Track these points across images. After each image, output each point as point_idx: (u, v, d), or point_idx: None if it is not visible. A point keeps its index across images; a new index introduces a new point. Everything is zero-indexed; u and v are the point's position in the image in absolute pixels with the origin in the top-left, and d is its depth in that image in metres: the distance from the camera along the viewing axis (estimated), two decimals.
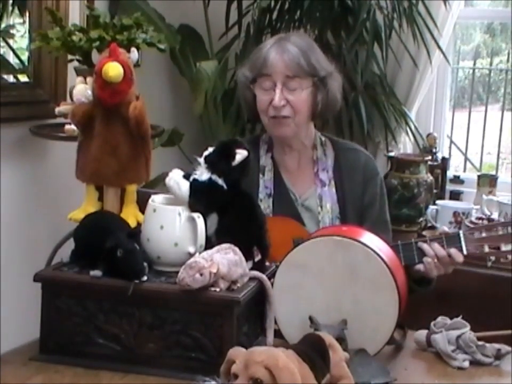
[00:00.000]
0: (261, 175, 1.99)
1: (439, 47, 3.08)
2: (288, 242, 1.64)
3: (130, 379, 1.44)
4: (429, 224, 2.96)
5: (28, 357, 1.51)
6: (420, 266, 1.77)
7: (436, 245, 1.75)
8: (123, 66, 1.57)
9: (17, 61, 2.50)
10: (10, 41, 2.47)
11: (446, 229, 1.84)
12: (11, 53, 2.47)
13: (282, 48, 1.90)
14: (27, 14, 2.42)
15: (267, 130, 1.99)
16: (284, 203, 1.97)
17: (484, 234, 1.73)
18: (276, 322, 1.55)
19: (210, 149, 1.59)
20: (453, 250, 1.74)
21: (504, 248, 1.71)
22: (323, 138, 2.02)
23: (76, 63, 2.29)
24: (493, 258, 1.73)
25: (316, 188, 1.97)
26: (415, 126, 3.23)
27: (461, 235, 1.74)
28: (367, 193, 1.98)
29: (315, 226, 1.93)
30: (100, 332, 1.49)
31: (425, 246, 1.75)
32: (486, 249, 1.72)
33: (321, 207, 1.95)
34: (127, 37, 2.14)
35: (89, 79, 2.10)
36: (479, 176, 3.26)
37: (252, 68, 1.95)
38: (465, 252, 1.74)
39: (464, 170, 3.58)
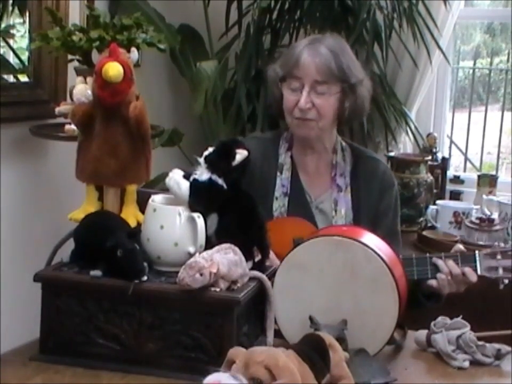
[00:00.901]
0: (278, 173, 1.98)
1: (439, 47, 3.08)
2: None
3: (130, 379, 1.44)
4: (429, 224, 2.96)
5: (28, 357, 1.51)
6: (432, 282, 1.76)
7: (451, 262, 1.73)
8: (123, 66, 1.57)
9: (17, 61, 2.50)
10: (10, 41, 2.47)
11: (461, 247, 1.83)
12: (11, 53, 2.47)
13: (315, 51, 1.88)
14: (27, 14, 2.41)
15: (290, 129, 1.98)
16: (298, 203, 1.96)
17: (499, 257, 1.72)
18: (276, 322, 1.55)
19: (210, 149, 1.58)
20: (467, 269, 1.73)
21: None
22: (344, 144, 2.02)
23: (76, 63, 2.29)
24: (506, 281, 1.73)
25: (331, 192, 1.97)
26: (415, 126, 3.23)
27: (477, 255, 1.73)
28: (382, 203, 1.97)
29: None
30: (100, 332, 1.49)
31: (440, 262, 1.74)
32: (500, 272, 1.72)
33: (336, 211, 1.94)
34: (127, 37, 2.14)
35: (89, 79, 2.10)
36: (479, 176, 3.26)
37: (283, 66, 1.93)
38: (479, 272, 1.73)
39: (464, 170, 3.58)
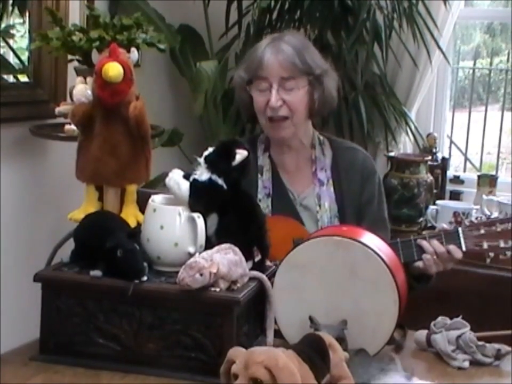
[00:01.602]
0: (259, 175, 1.99)
1: (439, 47, 3.08)
2: (288, 242, 1.64)
3: (130, 379, 1.44)
4: (429, 224, 2.97)
5: (28, 357, 1.51)
6: (419, 263, 1.77)
7: (435, 242, 1.75)
8: (123, 66, 1.57)
9: (17, 61, 2.50)
10: (10, 41, 2.47)
11: (445, 226, 1.84)
12: (11, 53, 2.48)
13: (276, 49, 1.90)
14: (27, 14, 2.42)
15: (265, 131, 2.00)
16: (282, 203, 1.97)
17: (482, 231, 1.73)
18: (275, 322, 1.55)
19: (210, 149, 1.58)
20: (452, 247, 1.74)
21: (503, 245, 1.71)
22: (321, 138, 2.03)
23: (76, 63, 2.29)
24: (491, 254, 1.73)
25: (314, 187, 1.97)
26: (415, 126, 3.23)
27: (460, 232, 1.75)
28: (365, 192, 1.98)
29: (314, 226, 1.93)
30: (100, 332, 1.49)
31: (424, 243, 1.76)
32: (485, 245, 1.72)
33: (320, 206, 1.96)
34: (127, 37, 2.14)
35: (89, 79, 2.10)
36: (479, 176, 3.26)
37: (247, 69, 1.95)
38: (464, 249, 1.74)
39: (464, 170, 3.58)
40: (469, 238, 1.74)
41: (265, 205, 1.95)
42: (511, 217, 1.76)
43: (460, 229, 1.75)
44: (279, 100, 1.88)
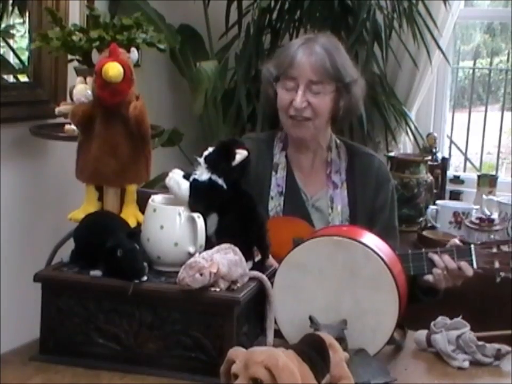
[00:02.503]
0: (273, 173, 1.97)
1: (439, 47, 3.08)
2: None
3: (130, 379, 1.44)
4: (429, 224, 2.96)
5: (27, 357, 1.51)
6: (428, 277, 1.76)
7: (446, 257, 1.73)
8: (123, 66, 1.57)
9: (17, 61, 2.50)
10: (10, 41, 2.47)
11: (457, 241, 1.83)
12: (11, 53, 2.48)
13: (310, 51, 1.88)
14: (27, 14, 2.42)
15: (285, 129, 1.98)
16: (294, 202, 1.96)
17: (495, 250, 1.72)
18: (275, 322, 1.55)
19: (210, 149, 1.58)
20: (463, 264, 1.72)
21: None
22: (338, 141, 2.02)
23: (75, 63, 2.29)
24: (502, 274, 1.72)
25: (327, 189, 1.96)
26: (415, 126, 3.23)
27: (472, 249, 1.73)
28: (379, 198, 1.97)
29: None
30: (100, 332, 1.49)
31: (435, 257, 1.74)
32: (497, 265, 1.71)
33: (332, 208, 1.94)
34: (127, 37, 2.14)
35: (89, 79, 2.10)
36: (479, 176, 3.26)
37: (277, 66, 1.93)
38: (475, 266, 1.72)
39: (464, 170, 3.58)
40: (480, 255, 1.72)
41: (277, 203, 1.94)
42: None
43: (472, 246, 1.74)
44: (304, 101, 1.86)
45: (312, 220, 1.94)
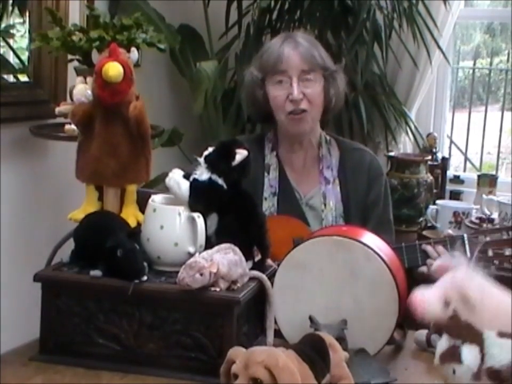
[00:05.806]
0: (266, 174, 1.98)
1: (439, 47, 3.08)
2: (292, 242, 1.63)
3: (130, 379, 1.44)
4: (429, 224, 2.96)
5: (27, 357, 1.51)
6: (423, 269, 1.76)
7: (440, 247, 1.74)
8: (123, 66, 1.57)
9: (17, 61, 2.50)
10: (10, 41, 2.47)
11: (450, 232, 1.84)
12: (11, 53, 2.48)
13: (295, 43, 1.92)
14: (27, 14, 2.42)
15: (283, 128, 1.98)
16: (288, 202, 1.96)
17: (488, 238, 1.72)
18: (276, 322, 1.55)
19: (210, 149, 1.58)
20: (457, 253, 1.73)
21: (508, 252, 1.70)
22: (328, 137, 2.03)
23: (76, 63, 2.29)
24: (496, 262, 1.72)
25: (320, 186, 1.97)
26: (415, 126, 3.23)
27: (465, 238, 1.74)
28: (371, 193, 1.98)
29: (319, 226, 1.93)
30: (100, 332, 1.49)
31: (429, 248, 1.75)
32: (490, 253, 1.72)
33: (325, 205, 1.95)
34: (127, 37, 2.14)
35: (89, 79, 2.10)
36: (479, 176, 3.27)
37: (262, 67, 1.94)
38: (468, 255, 1.73)
39: (464, 170, 3.58)
40: (474, 244, 1.73)
41: (270, 203, 1.95)
42: None
43: (465, 235, 1.74)
44: (300, 92, 1.89)
45: (306, 219, 1.95)
